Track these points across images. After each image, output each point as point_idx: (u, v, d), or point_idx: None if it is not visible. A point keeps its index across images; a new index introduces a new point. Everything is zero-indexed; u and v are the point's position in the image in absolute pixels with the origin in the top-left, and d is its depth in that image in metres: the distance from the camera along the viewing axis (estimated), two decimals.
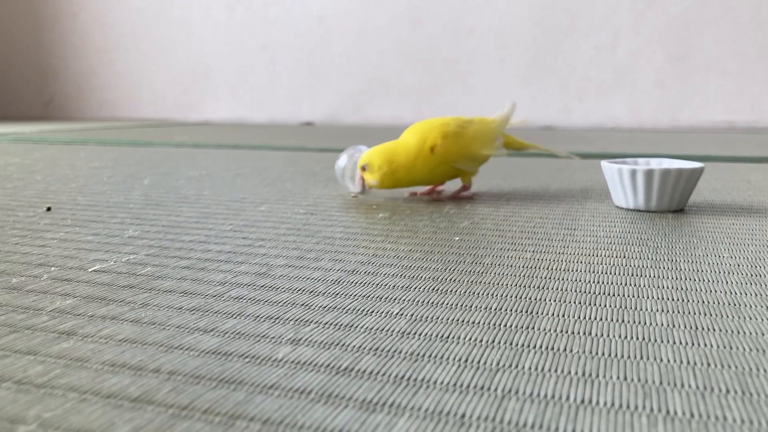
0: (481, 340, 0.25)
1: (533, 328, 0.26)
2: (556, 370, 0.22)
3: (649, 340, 0.25)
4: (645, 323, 0.26)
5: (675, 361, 0.23)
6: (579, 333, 0.25)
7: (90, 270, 0.34)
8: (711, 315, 0.27)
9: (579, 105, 1.77)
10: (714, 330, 0.26)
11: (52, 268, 0.35)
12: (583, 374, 0.22)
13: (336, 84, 2.00)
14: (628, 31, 1.70)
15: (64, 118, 2.26)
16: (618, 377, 0.21)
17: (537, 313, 0.28)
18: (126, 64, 2.23)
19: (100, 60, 2.26)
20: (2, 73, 2.37)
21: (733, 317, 0.27)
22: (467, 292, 0.31)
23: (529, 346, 0.24)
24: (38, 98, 2.35)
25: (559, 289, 0.31)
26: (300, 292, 0.31)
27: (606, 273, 0.34)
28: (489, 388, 0.21)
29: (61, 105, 2.33)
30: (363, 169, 0.56)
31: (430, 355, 0.23)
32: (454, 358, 0.23)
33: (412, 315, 0.27)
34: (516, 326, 0.26)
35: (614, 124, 1.75)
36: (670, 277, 0.33)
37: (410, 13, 1.88)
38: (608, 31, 1.72)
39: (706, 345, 0.24)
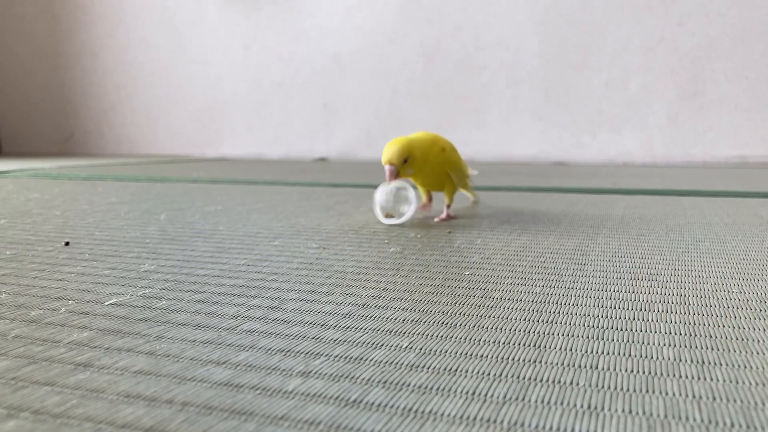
0: (488, 374, 0.25)
1: (540, 361, 0.26)
2: (561, 403, 0.22)
3: (656, 374, 0.25)
4: (652, 357, 0.27)
5: (681, 395, 0.23)
6: (586, 367, 0.26)
7: (107, 303, 0.35)
8: (718, 349, 0.27)
9: (591, 140, 1.78)
10: (721, 364, 0.26)
11: (70, 302, 0.35)
12: (589, 407, 0.22)
13: (350, 120, 2.02)
14: (639, 67, 1.72)
15: (84, 154, 2.30)
16: (623, 410, 0.22)
17: (545, 347, 0.28)
18: (145, 101, 2.27)
19: (120, 97, 2.30)
20: (24, 111, 2.42)
21: (741, 352, 0.27)
22: (476, 325, 0.31)
23: (536, 379, 0.24)
24: (58, 135, 2.40)
25: (568, 324, 0.31)
26: (311, 325, 0.31)
27: (614, 308, 0.34)
28: (495, 421, 0.21)
29: (80, 141, 2.37)
30: (405, 161, 0.60)
31: (437, 388, 0.24)
32: (462, 391, 0.23)
33: (421, 348, 0.28)
34: (523, 360, 0.26)
35: (627, 159, 1.75)
36: (678, 312, 0.33)
37: (423, 51, 1.91)
38: (619, 67, 1.73)
39: (712, 379, 0.24)
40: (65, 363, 0.26)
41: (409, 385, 0.24)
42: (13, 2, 2.38)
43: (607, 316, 0.32)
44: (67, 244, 0.52)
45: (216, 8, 2.15)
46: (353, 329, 0.31)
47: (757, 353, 0.27)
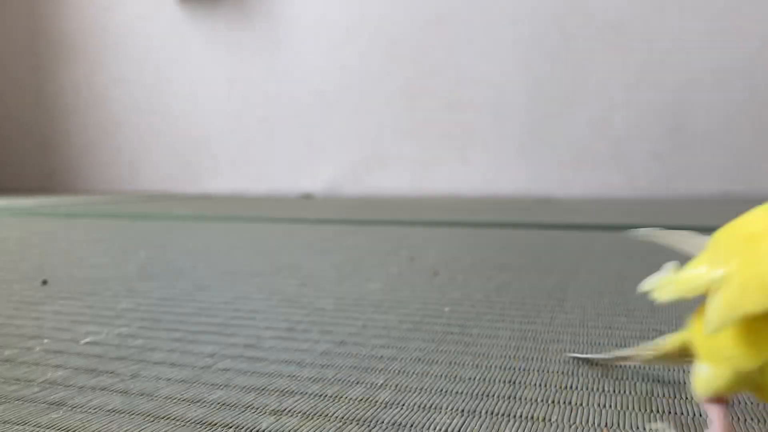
0: (463, 410, 0.25)
1: (515, 397, 0.26)
2: None
3: (627, 408, 0.25)
4: (624, 392, 0.27)
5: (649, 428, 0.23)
6: (559, 402, 0.26)
7: (82, 342, 0.35)
8: (689, 383, 0.28)
9: (576, 176, 1.80)
10: (690, 399, 0.26)
11: (45, 340, 0.35)
12: None
13: (335, 156, 2.03)
14: (622, 104, 1.75)
15: (66, 191, 2.29)
16: None
17: (520, 383, 0.28)
18: (127, 137, 2.28)
19: (102, 134, 2.30)
20: (5, 148, 2.42)
21: None
22: (453, 362, 0.31)
23: (509, 415, 0.25)
24: (40, 172, 2.39)
25: (544, 360, 0.31)
26: (287, 363, 0.31)
27: (590, 344, 0.34)
28: None
29: (62, 179, 2.36)
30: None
31: (411, 425, 0.24)
32: (435, 428, 0.23)
33: (396, 385, 0.28)
34: (499, 396, 0.27)
35: (611, 194, 1.77)
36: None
37: (408, 89, 1.93)
38: (603, 103, 1.76)
39: (682, 413, 0.24)
40: (38, 402, 0.26)
41: (382, 422, 0.24)
42: None
43: (583, 352, 0.33)
44: (44, 282, 0.52)
45: (200, 46, 2.17)
46: (329, 367, 0.30)
47: None
